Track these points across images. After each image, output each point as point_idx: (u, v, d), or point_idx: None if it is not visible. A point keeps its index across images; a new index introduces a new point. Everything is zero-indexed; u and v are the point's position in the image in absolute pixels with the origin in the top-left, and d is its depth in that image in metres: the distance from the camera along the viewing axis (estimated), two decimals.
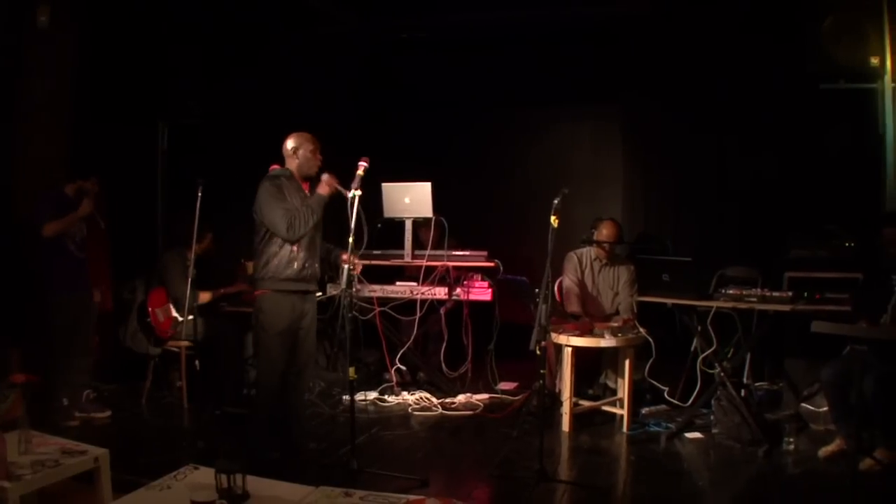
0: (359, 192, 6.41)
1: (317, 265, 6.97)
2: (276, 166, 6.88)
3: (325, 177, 6.78)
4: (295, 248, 6.69)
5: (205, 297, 8.85)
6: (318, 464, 6.80)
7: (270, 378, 6.77)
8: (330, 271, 8.01)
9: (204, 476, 4.52)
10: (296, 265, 6.68)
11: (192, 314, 8.22)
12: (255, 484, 4.38)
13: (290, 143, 6.87)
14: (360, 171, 6.53)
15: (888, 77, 8.46)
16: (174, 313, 8.75)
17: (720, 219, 10.03)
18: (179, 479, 4.59)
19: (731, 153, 9.86)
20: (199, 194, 7.70)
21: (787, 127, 9.50)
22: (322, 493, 4.40)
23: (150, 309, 8.72)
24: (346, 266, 6.54)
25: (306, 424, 7.59)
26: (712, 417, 7.97)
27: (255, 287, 6.83)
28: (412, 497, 4.37)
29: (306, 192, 6.84)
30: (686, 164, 10.34)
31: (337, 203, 6.78)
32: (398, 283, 9.21)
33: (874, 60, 8.36)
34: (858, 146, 9.08)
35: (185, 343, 8.63)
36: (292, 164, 6.86)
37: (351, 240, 6.38)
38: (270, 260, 6.67)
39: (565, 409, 8.04)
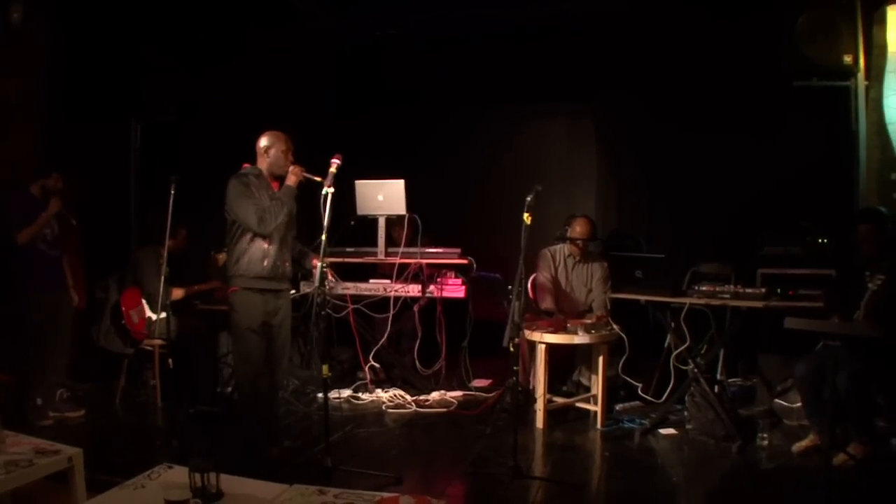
0: (332, 190, 6.40)
1: (288, 264, 6.97)
2: (247, 165, 6.87)
3: (292, 168, 6.78)
4: (266, 244, 6.69)
5: (177, 293, 8.83)
6: (293, 462, 6.79)
7: (250, 376, 6.76)
8: (303, 269, 8.00)
9: (178, 475, 4.50)
10: (267, 263, 6.68)
11: (165, 312, 8.19)
12: (229, 482, 4.36)
13: (262, 142, 6.86)
14: (332, 169, 6.51)
15: (861, 75, 8.52)
16: (148, 313, 8.72)
17: (693, 216, 10.04)
18: (153, 478, 4.57)
19: (705, 150, 9.86)
20: (172, 191, 7.67)
21: (761, 124, 9.52)
22: (296, 491, 4.39)
23: (124, 310, 8.68)
24: (319, 264, 6.52)
25: (280, 422, 7.58)
26: (686, 413, 8.01)
27: (229, 284, 6.82)
28: (386, 494, 4.36)
29: (275, 190, 6.83)
30: (659, 161, 10.35)
31: (306, 197, 6.79)
32: (371, 280, 9.20)
33: (847, 59, 8.41)
34: (832, 144, 9.11)
35: (159, 342, 8.60)
36: (263, 162, 6.86)
37: (324, 237, 6.37)
38: (241, 257, 6.67)
39: (539, 405, 8.06)
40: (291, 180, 6.76)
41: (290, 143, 6.89)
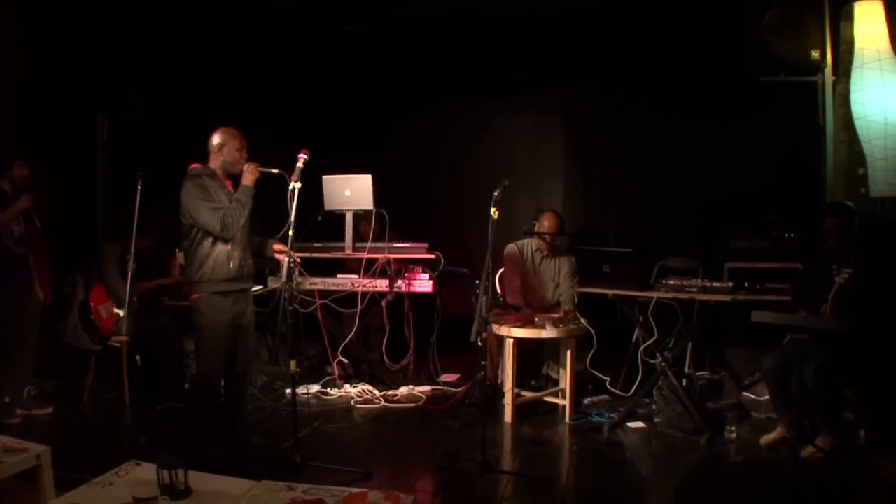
0: (299, 185, 6.37)
1: (251, 261, 6.90)
2: (196, 165, 6.75)
3: (247, 166, 6.68)
4: (230, 247, 6.59)
5: (141, 287, 8.75)
6: (261, 458, 6.75)
7: (212, 377, 6.72)
8: (270, 264, 7.96)
9: (146, 472, 4.48)
10: (233, 264, 6.60)
11: (131, 309, 8.14)
12: (198, 479, 4.35)
13: (215, 139, 6.74)
14: (299, 164, 6.48)
15: (828, 71, 8.58)
16: (116, 309, 8.67)
17: (661, 210, 10.09)
18: (121, 475, 4.55)
19: (673, 145, 9.91)
20: (140, 187, 7.62)
21: (729, 119, 9.56)
22: (265, 487, 4.38)
23: (92, 305, 8.63)
24: (286, 259, 6.49)
25: (249, 419, 7.56)
26: (654, 407, 8.04)
27: (192, 290, 6.71)
28: (355, 490, 4.36)
29: (230, 189, 6.73)
30: (627, 155, 10.40)
31: (272, 192, 6.75)
32: (339, 275, 9.18)
33: (815, 54, 8.47)
34: (799, 138, 9.17)
35: (125, 338, 8.54)
36: (216, 160, 6.74)
37: (291, 232, 6.35)
38: (205, 262, 6.56)
39: (507, 400, 8.08)
40: (249, 179, 6.64)
41: (244, 140, 6.78)
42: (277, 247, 6.88)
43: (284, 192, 6.47)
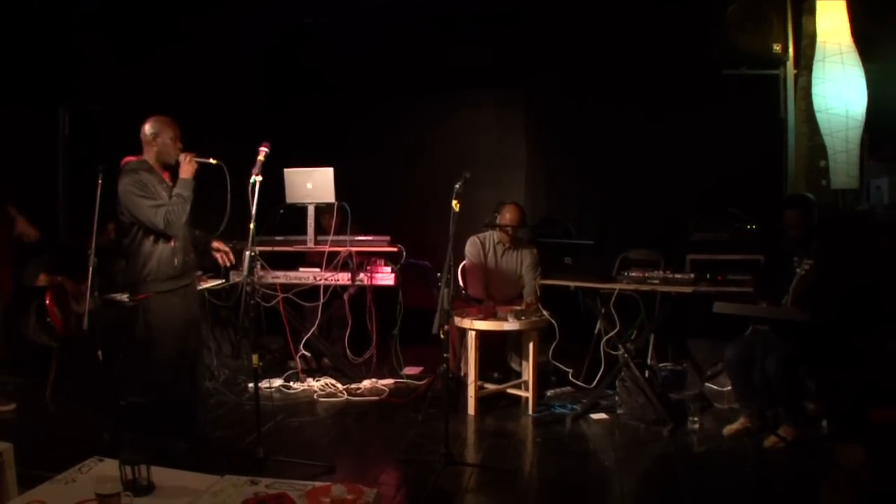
0: (260, 178, 6.33)
1: (192, 254, 6.88)
2: (131, 158, 6.67)
3: (183, 157, 6.60)
4: (173, 243, 6.56)
5: (42, 279, 8.65)
6: (224, 453, 6.75)
7: (166, 373, 6.70)
8: (206, 257, 7.92)
9: (109, 468, 4.45)
10: (177, 261, 6.58)
11: (92, 305, 8.08)
12: (161, 475, 4.33)
13: (148, 129, 6.63)
14: (260, 157, 6.43)
15: (790, 64, 8.66)
16: (75, 307, 8.60)
17: (623, 202, 10.12)
18: (84, 471, 4.52)
19: (634, 137, 9.93)
20: (100, 181, 7.56)
21: (691, 111, 9.61)
22: (228, 482, 4.36)
23: (47, 302, 8.56)
24: (247, 253, 6.44)
25: (212, 413, 7.54)
26: (617, 398, 8.07)
27: (137, 291, 6.65)
28: (319, 483, 4.35)
29: (168, 182, 6.66)
30: (589, 148, 10.41)
31: (232, 185, 6.68)
32: (301, 269, 9.14)
33: (777, 47, 8.54)
34: (761, 131, 9.23)
35: (88, 334, 8.47)
36: (150, 152, 6.64)
37: (252, 226, 6.31)
38: (149, 260, 6.52)
39: (470, 392, 8.08)
40: (188, 172, 6.55)
41: (177, 129, 6.69)
42: (215, 245, 6.89)
43: (224, 184, 6.46)
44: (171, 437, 6.54)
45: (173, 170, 6.69)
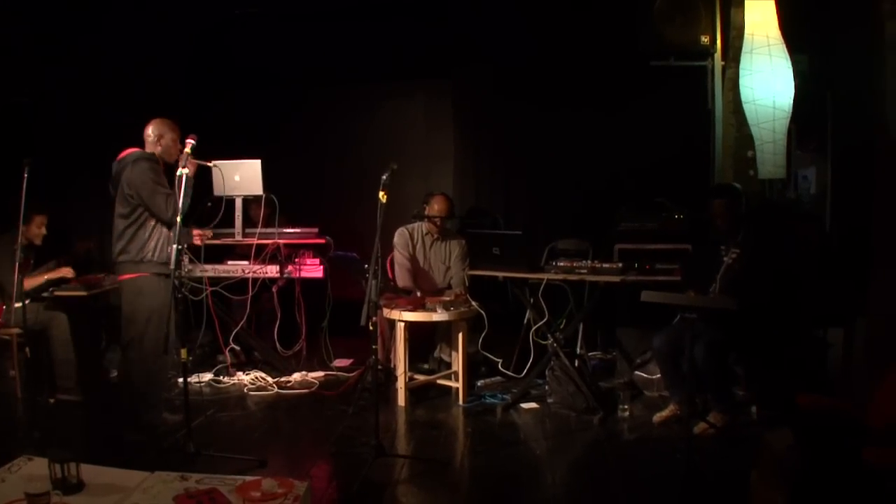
0: (187, 171, 6.35)
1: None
2: (134, 149, 6.81)
3: (188, 151, 6.63)
4: (166, 230, 6.81)
5: (29, 283, 8.55)
6: (154, 448, 6.66)
7: (158, 357, 6.91)
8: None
9: (38, 466, 4.42)
10: (169, 248, 6.65)
11: (20, 301, 7.98)
12: (90, 472, 4.30)
13: (151, 131, 6.94)
14: (187, 149, 6.50)
15: (718, 56, 8.75)
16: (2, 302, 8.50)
17: (551, 192, 10.19)
18: (14, 470, 4.49)
19: (562, 128, 10.00)
20: (26, 175, 7.46)
21: (619, 102, 9.71)
22: (158, 478, 4.34)
23: None
24: (174, 246, 6.40)
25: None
26: (547, 388, 8.13)
27: (129, 270, 6.83)
28: (250, 478, 4.35)
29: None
30: (517, 138, 10.47)
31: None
32: (229, 262, 9.09)
33: (705, 39, 8.60)
34: (688, 122, 9.32)
35: (16, 330, 8.36)
36: (154, 150, 6.91)
37: (178, 219, 6.26)
38: (148, 242, 6.79)
39: (400, 384, 8.10)
40: (190, 171, 6.60)
41: (178, 131, 6.95)
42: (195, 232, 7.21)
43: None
44: (130, 427, 6.69)
45: (170, 168, 6.83)
